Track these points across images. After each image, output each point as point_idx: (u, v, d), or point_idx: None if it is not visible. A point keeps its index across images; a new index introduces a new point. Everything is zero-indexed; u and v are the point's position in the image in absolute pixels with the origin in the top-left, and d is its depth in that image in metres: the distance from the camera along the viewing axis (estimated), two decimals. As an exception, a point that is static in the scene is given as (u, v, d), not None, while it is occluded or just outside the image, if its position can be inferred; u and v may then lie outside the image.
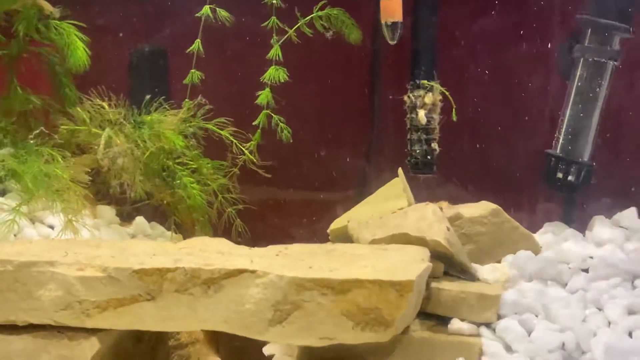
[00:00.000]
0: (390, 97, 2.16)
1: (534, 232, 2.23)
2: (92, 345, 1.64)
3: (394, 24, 2.07)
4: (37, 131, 1.95)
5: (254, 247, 1.87)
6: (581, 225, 2.21)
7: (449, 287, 1.82)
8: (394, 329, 1.63)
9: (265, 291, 1.61)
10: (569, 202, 2.24)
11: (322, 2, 2.06)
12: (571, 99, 2.14)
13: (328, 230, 2.11)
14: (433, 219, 1.94)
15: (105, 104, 2.09)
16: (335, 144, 2.28)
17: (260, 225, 2.23)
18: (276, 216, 2.28)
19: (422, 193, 2.15)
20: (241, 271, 1.63)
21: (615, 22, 2.07)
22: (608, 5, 2.09)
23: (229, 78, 2.18)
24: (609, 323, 1.80)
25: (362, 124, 2.29)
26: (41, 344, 1.65)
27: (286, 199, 2.29)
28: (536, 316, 1.82)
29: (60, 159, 1.91)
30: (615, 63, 2.11)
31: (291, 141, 2.07)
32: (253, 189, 2.17)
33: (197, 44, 2.02)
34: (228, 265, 1.64)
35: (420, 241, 1.88)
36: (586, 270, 1.98)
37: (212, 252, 1.76)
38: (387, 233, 1.93)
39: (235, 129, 2.12)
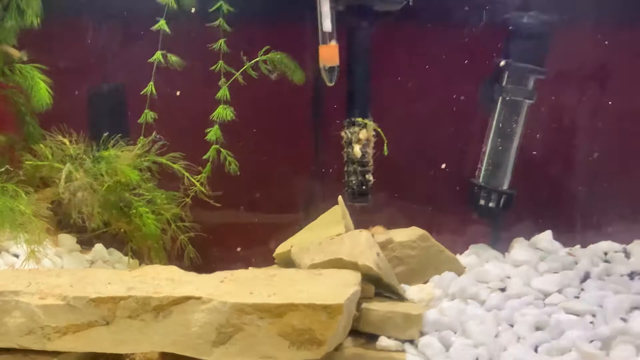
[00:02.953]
0: (330, 133, 2.37)
1: (461, 254, 2.49)
2: (54, 366, 1.85)
3: (331, 68, 2.28)
4: (2, 169, 2.11)
5: (202, 273, 2.08)
6: (504, 247, 2.46)
7: (378, 307, 2.03)
8: (326, 347, 1.83)
9: (210, 316, 1.81)
10: (493, 226, 2.47)
11: (266, 48, 2.27)
12: (492, 134, 2.38)
13: (274, 254, 2.32)
14: (365, 245, 2.15)
15: (66, 140, 2.26)
16: (282, 174, 2.47)
17: (212, 251, 2.42)
18: (227, 242, 2.46)
19: (361, 218, 2.37)
20: (188, 298, 1.82)
21: (530, 65, 2.33)
22: (524, 50, 2.34)
23: (182, 116, 2.35)
24: (519, 338, 2.02)
25: (306, 157, 2.48)
26: (8, 365, 1.84)
27: (236, 226, 2.47)
28: (455, 333, 2.03)
29: (23, 195, 2.08)
30: (530, 101, 2.36)
31: (238, 173, 2.27)
32: (205, 216, 2.36)
33: (150, 87, 2.22)
34: (176, 293, 1.83)
35: (353, 266, 2.09)
36: (503, 290, 2.22)
37: (163, 280, 1.95)
38: (325, 258, 2.13)
39: (188, 162, 2.32)
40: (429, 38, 2.41)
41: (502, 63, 2.30)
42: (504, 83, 2.32)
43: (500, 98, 2.33)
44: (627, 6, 2.44)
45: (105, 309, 1.80)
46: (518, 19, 2.31)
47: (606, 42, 2.47)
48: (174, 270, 2.02)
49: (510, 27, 2.31)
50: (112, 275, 1.98)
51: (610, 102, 2.50)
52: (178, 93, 2.27)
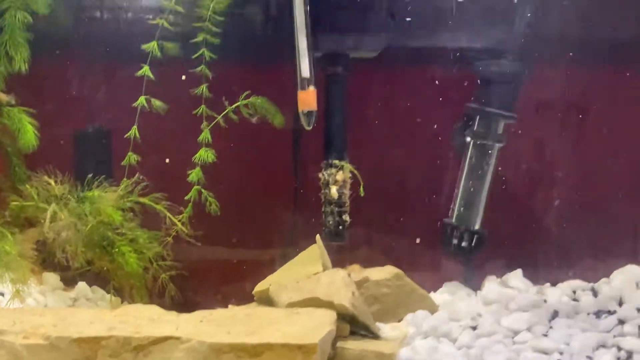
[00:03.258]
0: (308, 174, 2.46)
1: (436, 291, 2.56)
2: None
3: (310, 112, 2.37)
4: (-11, 211, 2.18)
5: (183, 311, 2.14)
6: (477, 285, 2.53)
7: (352, 346, 2.10)
8: (301, 385, 1.91)
9: (188, 356, 1.86)
10: (466, 264, 2.55)
11: (247, 92, 2.36)
12: (464, 175, 2.48)
13: (253, 292, 2.38)
14: (341, 284, 2.22)
15: (51, 181, 2.33)
16: (263, 213, 2.55)
17: (193, 289, 2.49)
18: (208, 279, 2.52)
19: (338, 256, 2.44)
20: (167, 338, 1.88)
21: (500, 110, 2.43)
22: (494, 95, 2.44)
23: (165, 157, 2.43)
24: (488, 376, 2.11)
25: (285, 198, 2.56)
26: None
27: (217, 264, 2.54)
28: (426, 370, 2.12)
29: (9, 236, 2.14)
30: (500, 145, 2.46)
31: (219, 213, 2.35)
32: (187, 255, 2.42)
33: (134, 130, 2.30)
34: (156, 333, 1.89)
35: (329, 305, 2.15)
36: (474, 328, 2.29)
37: (144, 319, 2.01)
38: (302, 297, 2.20)
39: (171, 202, 2.39)
40: (403, 83, 2.52)
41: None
42: (475, 127, 2.43)
43: (472, 141, 2.44)
44: (595, 50, 2.58)
45: (87, 348, 1.86)
46: (488, 65, 2.43)
47: (575, 86, 2.59)
48: (154, 310, 2.08)
49: (480, 73, 2.43)
50: (94, 315, 2.04)
51: (579, 144, 2.61)
52: (162, 137, 2.36)
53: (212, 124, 2.34)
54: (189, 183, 2.37)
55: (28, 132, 2.32)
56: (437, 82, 2.52)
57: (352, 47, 2.40)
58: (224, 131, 2.36)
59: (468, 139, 2.43)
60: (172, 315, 2.07)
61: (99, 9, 2.44)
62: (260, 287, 2.42)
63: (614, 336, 2.13)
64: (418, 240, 2.52)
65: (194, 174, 2.34)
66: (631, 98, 2.60)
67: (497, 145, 2.43)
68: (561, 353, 2.08)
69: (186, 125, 2.37)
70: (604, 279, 2.50)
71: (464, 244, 2.44)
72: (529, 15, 2.41)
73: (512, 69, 2.41)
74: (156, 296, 2.36)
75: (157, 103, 2.30)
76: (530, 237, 2.58)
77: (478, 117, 2.42)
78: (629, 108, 2.60)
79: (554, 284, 2.49)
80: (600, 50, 2.55)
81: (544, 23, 2.49)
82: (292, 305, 2.19)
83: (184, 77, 2.30)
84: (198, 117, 2.35)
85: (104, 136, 2.45)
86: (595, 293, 2.42)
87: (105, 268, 2.34)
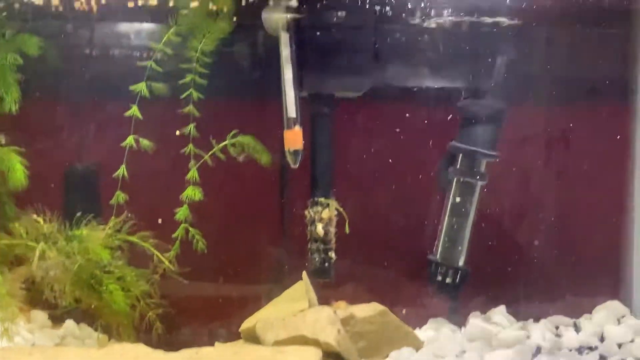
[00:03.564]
0: (295, 212, 2.50)
1: (421, 327, 2.59)
2: None
3: (296, 151, 2.42)
4: (-22, 250, 2.20)
5: (171, 348, 2.15)
6: (462, 321, 2.56)
7: (338, 383, 2.14)
8: None
9: (175, 394, 1.89)
10: (451, 301, 2.58)
11: (234, 132, 2.40)
12: (447, 213, 2.52)
13: (240, 330, 2.39)
14: (326, 322, 2.24)
15: (40, 219, 2.36)
16: (250, 250, 2.57)
17: (180, 326, 2.50)
18: (196, 317, 2.53)
19: (325, 293, 2.46)
20: (154, 377, 1.91)
21: (482, 149, 2.48)
22: (475, 134, 2.49)
23: (154, 195, 2.47)
24: (471, 412, 2.13)
25: (272, 235, 2.59)
26: None
27: (205, 301, 2.55)
28: (411, 407, 2.13)
29: (-2, 275, 2.17)
30: (482, 183, 2.50)
31: (206, 251, 2.38)
32: (174, 292, 2.44)
33: (122, 170, 2.33)
34: (142, 372, 1.92)
35: (315, 342, 2.17)
36: (459, 364, 2.32)
37: (130, 358, 2.03)
38: (288, 335, 2.22)
39: (159, 239, 2.42)
40: (387, 121, 2.56)
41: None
42: (457, 165, 2.48)
43: (455, 179, 2.48)
44: (574, 88, 2.65)
45: (74, 388, 1.89)
46: (470, 104, 2.48)
47: (555, 123, 2.65)
48: (140, 349, 2.09)
49: (462, 112, 2.48)
50: (81, 353, 2.06)
51: (561, 181, 2.67)
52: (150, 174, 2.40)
53: (199, 163, 2.40)
54: (177, 221, 2.41)
55: (17, 171, 2.34)
56: (421, 120, 2.57)
57: (337, 87, 2.46)
58: (211, 169, 2.41)
59: (451, 177, 2.48)
60: (159, 353, 2.08)
61: (88, 50, 2.48)
62: (247, 324, 2.44)
63: (596, 372, 2.18)
64: (404, 277, 2.57)
65: (182, 212, 2.37)
66: (611, 135, 2.68)
67: (480, 183, 2.48)
68: (544, 389, 2.12)
69: (175, 163, 2.41)
70: (585, 315, 2.54)
71: (448, 280, 2.48)
72: (510, 55, 2.49)
73: (493, 108, 2.47)
74: (143, 334, 2.38)
75: (145, 142, 2.34)
76: (513, 273, 2.62)
77: (461, 156, 2.48)
78: (609, 145, 2.68)
79: (537, 320, 2.53)
80: (578, 88, 2.63)
81: (525, 63, 2.59)
82: (278, 343, 2.20)
83: (177, 132, 2.33)
84: (187, 155, 2.40)
85: (92, 174, 2.49)
86: (577, 329, 2.47)
87: (92, 306, 2.36)
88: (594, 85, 2.63)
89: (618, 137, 2.66)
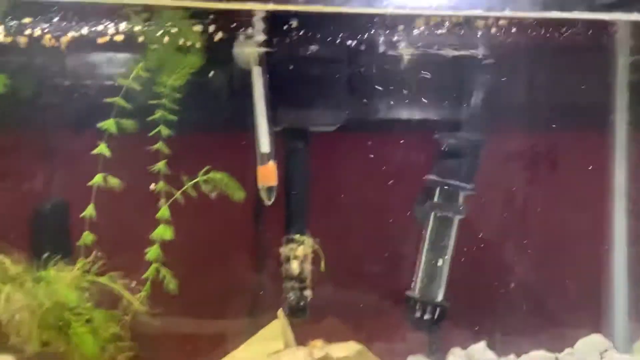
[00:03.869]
0: (270, 249, 2.44)
1: (400, 364, 2.54)
2: None
3: (270, 187, 2.37)
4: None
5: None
6: (442, 357, 2.51)
7: None
8: None
9: None
10: (430, 337, 2.52)
11: (207, 168, 2.35)
12: (425, 247, 2.47)
13: (213, 371, 2.34)
14: (302, 364, 2.20)
15: (7, 260, 2.29)
16: (224, 288, 2.50)
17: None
18: (168, 357, 2.47)
19: (301, 331, 2.40)
20: None
21: (459, 182, 2.44)
22: (453, 167, 2.45)
23: (125, 234, 2.40)
24: None
25: (248, 272, 2.52)
26: None
27: (177, 341, 2.47)
28: None
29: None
30: (460, 217, 2.46)
31: (177, 292, 2.31)
32: (146, 333, 2.37)
33: (90, 209, 2.26)
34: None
35: (290, 385, 2.13)
36: (438, 403, 2.28)
37: (97, 407, 1.97)
38: (262, 377, 2.18)
39: (130, 279, 2.35)
40: (364, 155, 2.51)
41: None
42: (435, 199, 2.44)
43: (432, 213, 2.44)
44: (552, 118, 2.62)
45: None
46: (447, 138, 2.45)
47: (534, 156, 2.62)
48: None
49: (439, 146, 2.44)
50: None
51: (540, 213, 2.63)
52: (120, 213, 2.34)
53: (170, 201, 2.34)
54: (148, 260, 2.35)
55: (-17, 211, 2.30)
56: (398, 153, 2.53)
57: (311, 121, 2.41)
58: (183, 207, 2.35)
59: (428, 211, 2.43)
60: (128, 400, 2.03)
61: (57, 86, 2.42)
62: (220, 365, 2.43)
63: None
64: (382, 313, 2.51)
65: (152, 252, 2.31)
66: (590, 165, 2.65)
67: (458, 217, 2.44)
68: None
69: (147, 200, 2.36)
70: (568, 349, 2.50)
71: (426, 316, 2.43)
72: (486, 86, 2.46)
73: (470, 140, 2.44)
74: (114, 377, 2.32)
75: (113, 180, 2.27)
76: (494, 307, 2.57)
77: (438, 189, 2.44)
78: (588, 175, 2.65)
79: (518, 355, 2.48)
80: (557, 117, 2.61)
81: (502, 94, 2.56)
82: (252, 385, 2.16)
83: (152, 187, 2.27)
84: (157, 193, 2.35)
85: (61, 213, 2.42)
86: (559, 364, 2.44)
87: (61, 349, 2.29)
88: (571, 115, 2.61)
89: (598, 167, 2.65)
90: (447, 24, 2.05)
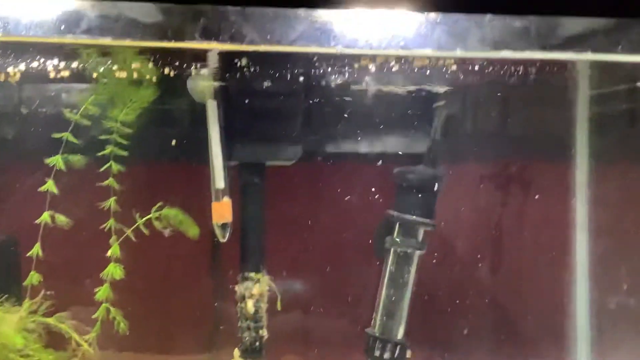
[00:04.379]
0: (225, 288, 2.38)
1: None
2: None
3: (224, 224, 2.31)
4: None
5: None
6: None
7: None
8: None
9: None
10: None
11: (159, 204, 2.29)
12: (385, 284, 2.41)
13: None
14: (255, 408, 2.14)
15: (-48, 301, 2.21)
16: (177, 329, 2.45)
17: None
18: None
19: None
20: None
21: (419, 218, 2.40)
22: (412, 203, 2.41)
23: (74, 273, 2.33)
24: None
25: (203, 312, 2.46)
26: None
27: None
28: None
29: None
30: (420, 252, 2.41)
31: (127, 333, 2.23)
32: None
33: (36, 248, 2.19)
34: None
35: None
36: None
37: None
38: (214, 422, 2.12)
39: (79, 320, 2.27)
40: (323, 189, 2.48)
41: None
42: (394, 235, 2.39)
43: (392, 249, 2.39)
44: (517, 150, 2.59)
45: None
46: (406, 172, 2.40)
47: (496, 188, 2.59)
48: None
49: (398, 180, 2.40)
50: None
51: (501, 243, 2.60)
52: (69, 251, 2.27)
53: (121, 239, 2.27)
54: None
55: None
56: (357, 188, 2.49)
57: (267, 156, 2.36)
58: (135, 244, 2.28)
59: (387, 246, 2.37)
60: None
61: (4, 121, 2.37)
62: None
63: None
64: (340, 353, 2.45)
65: (102, 292, 2.24)
66: (551, 195, 2.63)
67: (418, 253, 2.39)
68: None
69: (98, 238, 2.29)
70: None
71: (386, 355, 2.36)
72: (445, 122, 2.42)
73: (430, 175, 2.39)
74: (63, 422, 2.24)
75: (60, 218, 2.21)
76: (455, 340, 2.53)
77: (397, 225, 2.39)
78: (549, 206, 2.63)
79: (481, 393, 2.46)
80: (516, 150, 2.58)
81: (462, 129, 2.53)
82: None
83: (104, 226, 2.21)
84: (108, 230, 2.29)
85: (8, 251, 2.34)
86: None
87: (8, 393, 2.22)
88: (532, 147, 2.60)
89: (559, 199, 2.63)
90: (402, 60, 2.02)
